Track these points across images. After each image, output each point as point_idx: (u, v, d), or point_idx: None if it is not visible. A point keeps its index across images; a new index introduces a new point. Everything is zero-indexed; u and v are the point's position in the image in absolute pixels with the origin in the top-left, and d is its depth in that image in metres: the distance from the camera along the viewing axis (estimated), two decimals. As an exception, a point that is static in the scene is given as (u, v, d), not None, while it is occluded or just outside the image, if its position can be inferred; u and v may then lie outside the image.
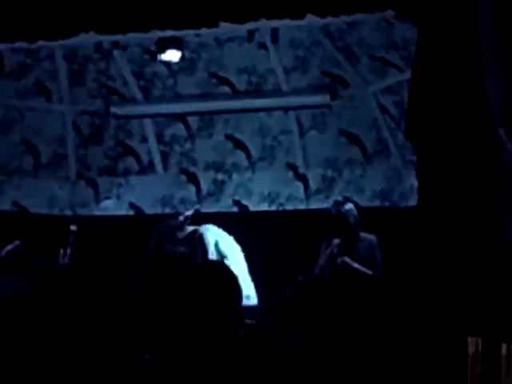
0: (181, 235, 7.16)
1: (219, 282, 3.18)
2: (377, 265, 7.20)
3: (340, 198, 9.43)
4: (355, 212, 7.37)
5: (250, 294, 7.15)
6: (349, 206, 7.47)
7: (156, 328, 3.33)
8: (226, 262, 6.94)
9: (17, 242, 7.15)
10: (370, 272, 7.14)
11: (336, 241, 7.40)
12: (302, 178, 9.83)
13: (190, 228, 7.25)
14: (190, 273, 3.25)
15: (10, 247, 7.14)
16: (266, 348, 3.36)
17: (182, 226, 7.20)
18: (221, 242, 7.21)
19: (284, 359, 3.35)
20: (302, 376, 3.36)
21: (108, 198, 10.44)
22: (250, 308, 6.98)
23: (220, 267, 3.41)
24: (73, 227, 7.50)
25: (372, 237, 7.35)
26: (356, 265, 7.16)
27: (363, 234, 7.34)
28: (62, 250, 7.24)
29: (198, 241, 7.10)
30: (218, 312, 3.11)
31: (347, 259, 7.18)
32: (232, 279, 3.21)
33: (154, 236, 7.15)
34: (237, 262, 7.09)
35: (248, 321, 6.83)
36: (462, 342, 5.02)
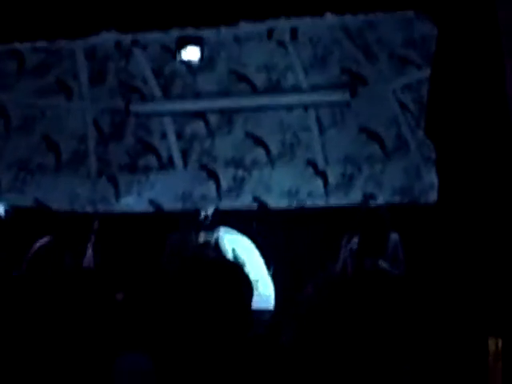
0: (194, 244, 7.16)
1: (229, 278, 3.19)
2: (400, 263, 7.22)
3: (360, 195, 9.46)
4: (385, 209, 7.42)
5: (268, 298, 7.18)
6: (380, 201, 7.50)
7: (164, 326, 3.36)
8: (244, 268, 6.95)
9: (46, 239, 7.23)
10: (396, 271, 7.14)
11: (355, 238, 7.42)
12: (322, 175, 9.83)
13: (203, 237, 7.24)
14: (201, 267, 3.26)
15: (40, 243, 7.23)
16: (279, 349, 3.38)
17: (194, 236, 7.20)
18: (238, 249, 7.20)
19: (296, 361, 3.37)
20: (314, 377, 3.37)
21: (128, 194, 10.50)
22: (268, 311, 7.02)
23: (231, 265, 3.43)
24: (95, 225, 7.57)
25: (395, 235, 7.36)
26: (385, 266, 7.17)
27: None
28: (85, 247, 7.30)
29: (214, 249, 7.10)
30: (228, 309, 3.13)
31: (379, 262, 7.17)
32: (242, 276, 3.22)
33: (167, 249, 7.15)
34: (255, 267, 7.10)
35: (265, 321, 6.89)
36: (483, 341, 5.03)
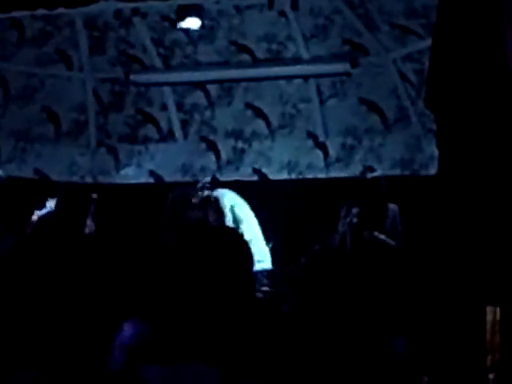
0: (195, 200, 7.19)
1: (231, 247, 3.18)
2: (399, 234, 7.20)
3: (360, 167, 9.45)
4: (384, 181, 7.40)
5: (264, 258, 7.20)
6: (378, 173, 7.48)
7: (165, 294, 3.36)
8: (241, 226, 7.00)
9: (48, 209, 7.21)
10: (394, 243, 7.12)
11: (355, 210, 7.40)
12: (322, 147, 9.82)
13: (206, 193, 7.27)
14: (203, 237, 3.25)
15: (41, 213, 7.20)
16: (279, 313, 3.38)
17: (196, 192, 7.23)
18: (236, 207, 7.25)
19: (296, 329, 3.36)
20: (312, 343, 3.37)
21: (128, 165, 10.49)
22: (265, 271, 7.04)
23: (232, 232, 3.41)
24: (94, 195, 7.54)
25: (394, 206, 7.34)
26: (383, 237, 7.14)
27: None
28: (84, 218, 7.29)
29: (214, 205, 7.12)
30: (230, 277, 3.12)
31: (376, 233, 7.15)
32: (244, 245, 3.21)
33: (168, 202, 7.16)
34: (252, 227, 7.14)
35: (265, 288, 6.90)
36: (481, 310, 5.03)
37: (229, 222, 7.13)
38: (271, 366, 3.20)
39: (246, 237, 3.24)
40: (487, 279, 5.23)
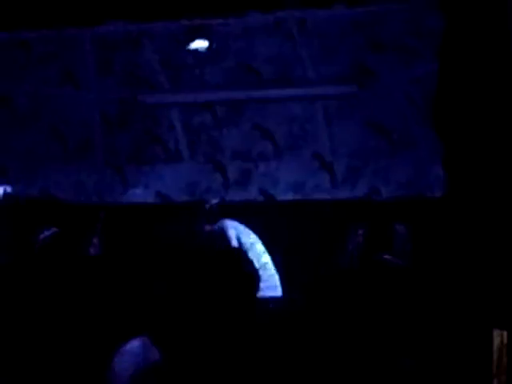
0: (200, 234, 7.24)
1: (235, 268, 3.18)
2: (407, 256, 7.20)
3: (366, 188, 9.45)
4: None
5: (273, 285, 7.20)
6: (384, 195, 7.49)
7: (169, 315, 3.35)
8: (249, 254, 7.01)
9: (54, 230, 7.22)
10: (402, 264, 7.11)
11: (361, 230, 7.41)
12: (328, 168, 9.82)
13: (209, 228, 7.30)
14: (207, 259, 3.26)
15: (47, 234, 7.21)
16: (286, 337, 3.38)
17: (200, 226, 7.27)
18: (242, 236, 7.26)
19: (302, 350, 3.36)
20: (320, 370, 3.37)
21: (135, 185, 10.50)
22: (275, 299, 7.03)
23: (237, 254, 3.42)
24: (101, 214, 7.56)
25: (402, 226, 7.34)
26: (391, 257, 7.13)
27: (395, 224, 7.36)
28: (91, 238, 7.31)
29: (220, 236, 7.15)
30: (234, 298, 3.12)
31: (384, 254, 7.14)
32: (248, 266, 3.21)
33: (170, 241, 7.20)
34: (259, 254, 7.14)
35: (276, 315, 6.90)
36: (488, 334, 5.01)
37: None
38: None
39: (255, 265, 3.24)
40: (494, 302, 5.21)
